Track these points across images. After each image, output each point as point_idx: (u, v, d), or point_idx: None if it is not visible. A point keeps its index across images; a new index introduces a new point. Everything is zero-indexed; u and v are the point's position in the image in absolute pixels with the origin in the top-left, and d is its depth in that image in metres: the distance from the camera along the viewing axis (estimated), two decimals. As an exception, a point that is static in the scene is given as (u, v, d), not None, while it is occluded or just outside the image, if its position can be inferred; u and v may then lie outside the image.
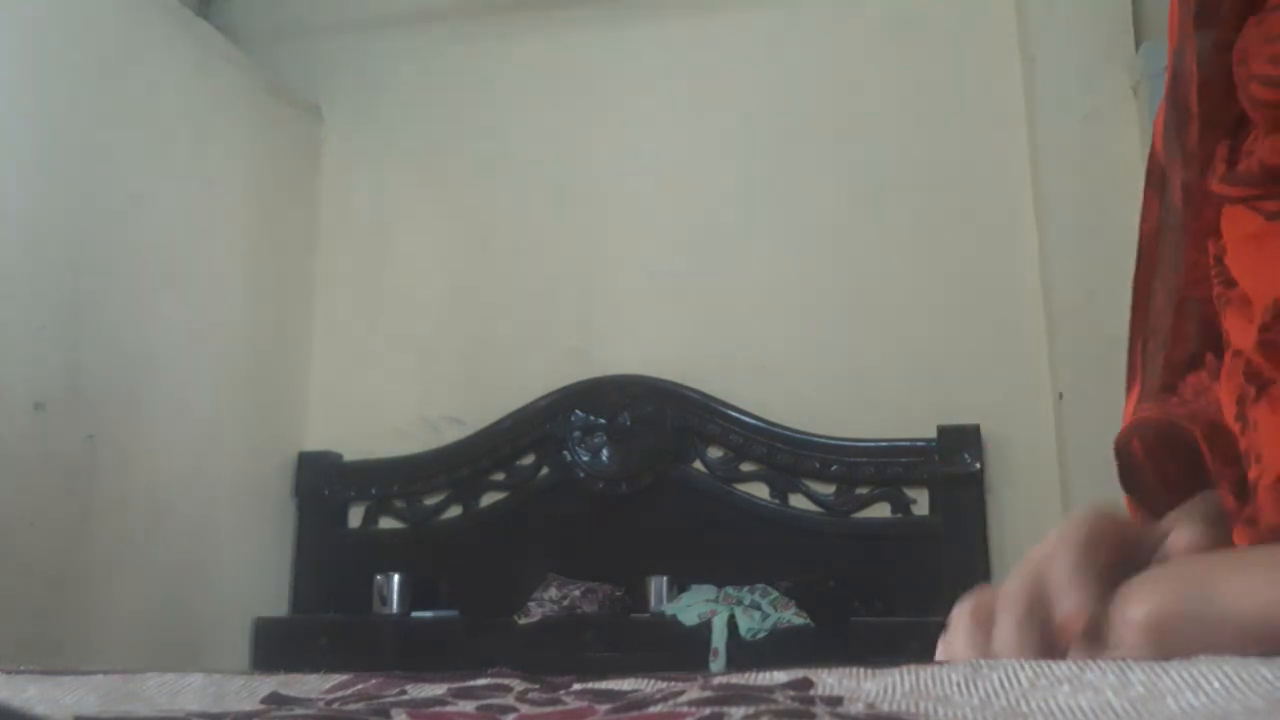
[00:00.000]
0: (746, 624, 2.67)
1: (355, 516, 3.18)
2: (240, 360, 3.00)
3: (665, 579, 2.86)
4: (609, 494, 3.01)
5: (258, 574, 3.01)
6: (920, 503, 2.85)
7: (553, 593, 2.86)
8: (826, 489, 2.92)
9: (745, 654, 2.64)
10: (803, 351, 3.00)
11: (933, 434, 2.82)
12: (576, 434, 3.05)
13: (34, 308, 2.30)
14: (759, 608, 2.72)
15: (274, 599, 3.05)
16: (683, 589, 2.86)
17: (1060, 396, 2.69)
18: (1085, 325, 2.66)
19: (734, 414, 2.99)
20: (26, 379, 2.25)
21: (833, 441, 2.91)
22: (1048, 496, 2.72)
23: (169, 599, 2.65)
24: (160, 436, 2.65)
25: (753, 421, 2.97)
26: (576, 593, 2.85)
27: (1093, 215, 2.68)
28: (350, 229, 3.39)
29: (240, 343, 3.01)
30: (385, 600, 2.94)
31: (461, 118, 3.38)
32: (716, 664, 2.66)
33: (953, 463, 2.79)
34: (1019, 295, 2.84)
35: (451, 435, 3.14)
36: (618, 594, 2.89)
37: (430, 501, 3.15)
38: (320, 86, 3.47)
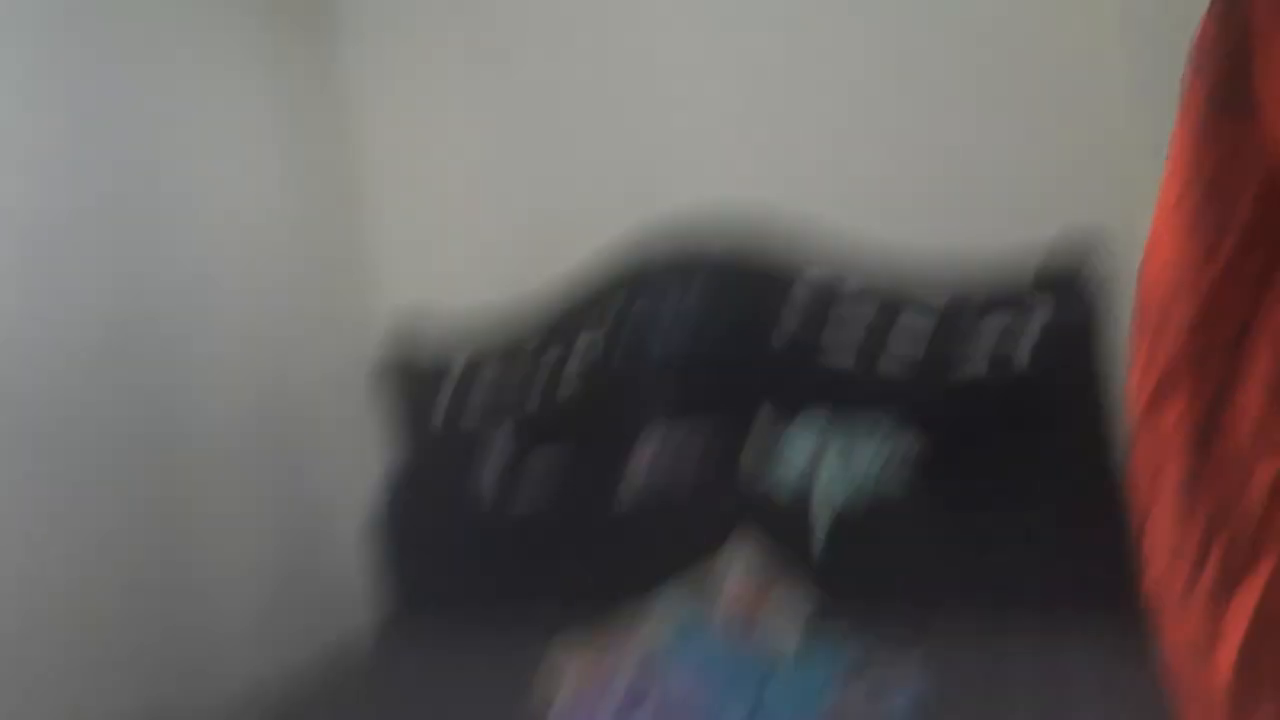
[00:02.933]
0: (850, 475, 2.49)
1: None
2: (300, 275, 2.93)
3: (770, 412, 2.68)
4: (699, 336, 2.80)
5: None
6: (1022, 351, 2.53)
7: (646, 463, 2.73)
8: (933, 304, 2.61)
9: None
10: (888, 171, 2.68)
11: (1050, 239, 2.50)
12: (655, 285, 2.84)
13: (79, 258, 2.26)
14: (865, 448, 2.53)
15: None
16: (789, 422, 2.65)
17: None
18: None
19: (824, 242, 2.71)
20: (82, 335, 2.25)
21: (932, 259, 2.61)
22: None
23: (274, 523, 2.67)
24: (228, 364, 2.64)
25: (845, 249, 2.69)
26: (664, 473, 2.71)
27: None
28: (390, 102, 3.19)
29: (297, 256, 2.94)
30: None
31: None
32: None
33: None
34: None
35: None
36: (709, 460, 2.73)
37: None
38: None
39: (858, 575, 2.43)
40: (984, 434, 2.43)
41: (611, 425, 2.80)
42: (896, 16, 2.69)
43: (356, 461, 2.99)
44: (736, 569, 2.47)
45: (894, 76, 2.69)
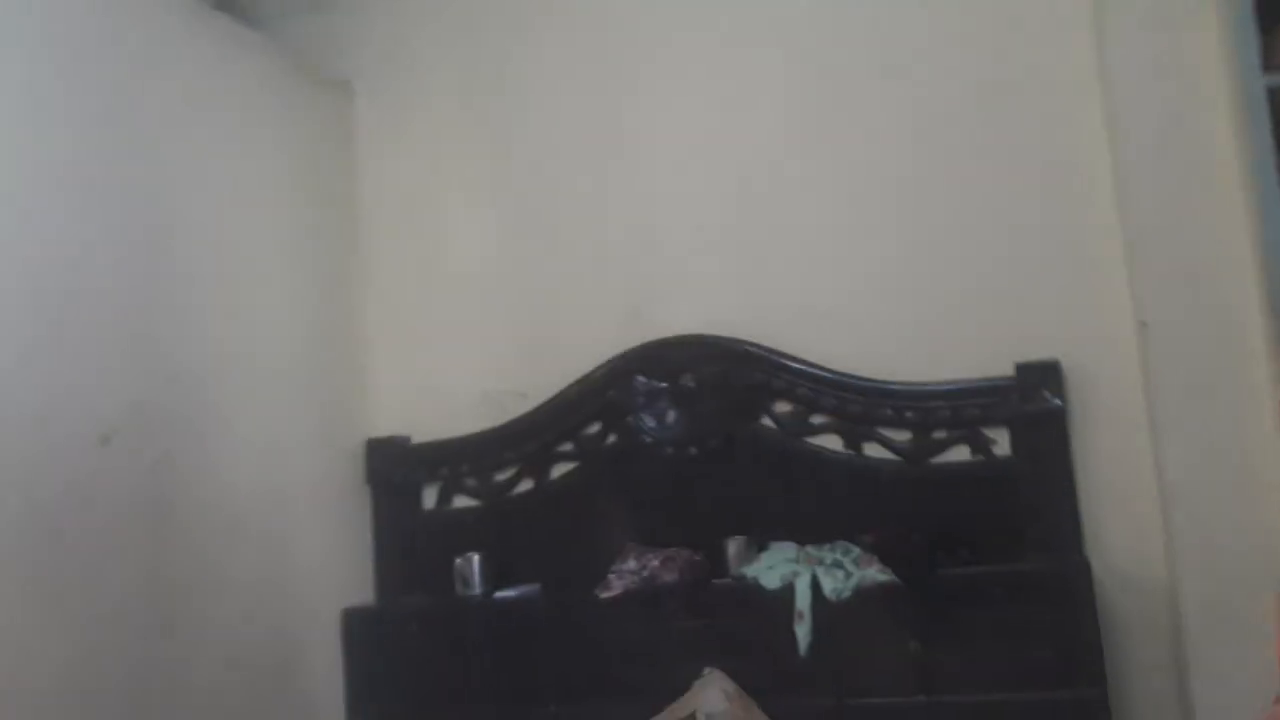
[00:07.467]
0: (830, 584, 2.62)
1: (429, 498, 3.18)
2: (299, 356, 2.99)
3: (743, 540, 2.82)
4: (679, 458, 2.96)
5: (340, 565, 3.05)
6: (1001, 443, 2.75)
7: (631, 564, 2.83)
8: (902, 436, 2.83)
9: (831, 615, 2.59)
10: (867, 297, 2.89)
11: (1010, 372, 2.71)
12: (640, 400, 3.00)
13: (89, 341, 2.28)
14: (841, 566, 2.67)
15: (359, 587, 3.08)
16: (762, 548, 2.81)
17: (1143, 325, 2.55)
18: (1166, 248, 2.50)
19: (800, 367, 2.90)
20: (89, 414, 2.25)
21: (905, 387, 2.82)
22: (1135, 430, 2.60)
23: (254, 608, 2.68)
24: (227, 446, 2.66)
25: (820, 373, 2.88)
26: (655, 562, 2.81)
27: (1170, 129, 2.50)
28: (393, 208, 3.33)
29: (296, 339, 2.99)
30: (467, 582, 2.94)
31: (496, 81, 3.28)
32: (802, 627, 2.62)
33: (1033, 400, 2.69)
34: (1094, 221, 2.68)
35: (516, 410, 3.11)
36: (696, 559, 2.85)
37: (501, 477, 3.13)
38: (349, 61, 3.40)
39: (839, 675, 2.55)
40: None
41: (587, 547, 2.91)
42: (866, 177, 2.93)
43: (339, 560, 3.03)
44: (710, 694, 2.55)
45: (863, 225, 2.93)
